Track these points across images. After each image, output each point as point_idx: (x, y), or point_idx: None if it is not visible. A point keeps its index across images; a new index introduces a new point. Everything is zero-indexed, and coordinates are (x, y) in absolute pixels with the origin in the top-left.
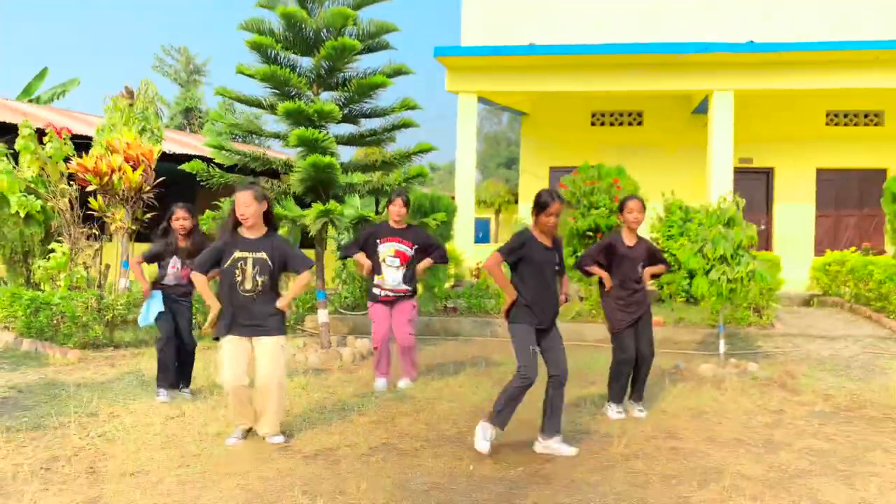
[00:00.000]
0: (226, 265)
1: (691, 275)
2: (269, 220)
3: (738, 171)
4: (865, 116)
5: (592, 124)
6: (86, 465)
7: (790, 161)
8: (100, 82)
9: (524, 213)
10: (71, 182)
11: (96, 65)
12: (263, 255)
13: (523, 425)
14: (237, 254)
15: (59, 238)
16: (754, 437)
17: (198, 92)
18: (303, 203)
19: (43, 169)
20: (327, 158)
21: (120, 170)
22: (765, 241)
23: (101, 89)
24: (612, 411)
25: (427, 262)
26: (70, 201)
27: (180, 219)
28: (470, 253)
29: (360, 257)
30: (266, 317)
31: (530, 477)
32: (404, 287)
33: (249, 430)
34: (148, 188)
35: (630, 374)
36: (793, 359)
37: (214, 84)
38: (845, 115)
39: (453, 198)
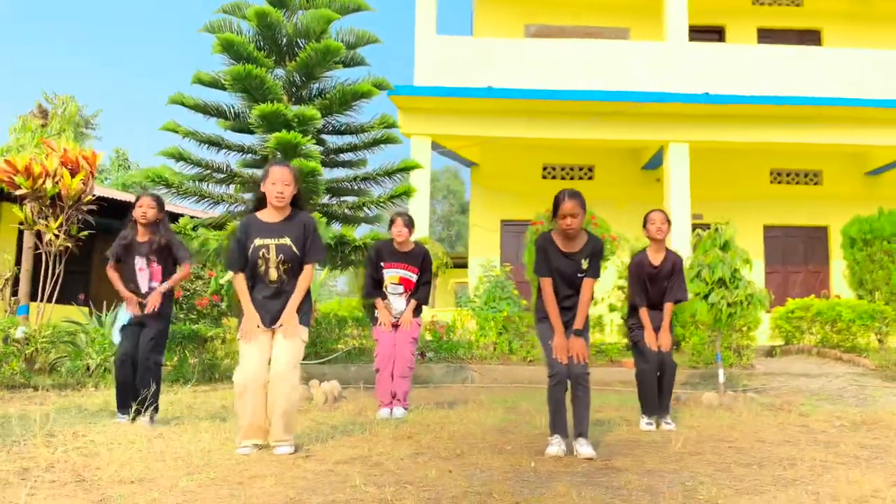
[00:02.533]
0: (248, 255)
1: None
2: (297, 201)
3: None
4: (805, 176)
5: (543, 177)
6: (70, 474)
7: (738, 217)
8: None
9: (475, 272)
10: None
11: None
12: (287, 240)
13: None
14: (258, 241)
15: None
16: (801, 439)
17: (86, 146)
18: None
19: None
20: (312, 164)
21: (55, 175)
22: None
23: None
24: (642, 422)
25: (409, 311)
26: None
27: (143, 206)
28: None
29: (382, 311)
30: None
31: (599, 470)
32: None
33: (260, 448)
34: (88, 198)
35: (655, 385)
36: (785, 392)
37: (105, 139)
38: (788, 174)
39: None
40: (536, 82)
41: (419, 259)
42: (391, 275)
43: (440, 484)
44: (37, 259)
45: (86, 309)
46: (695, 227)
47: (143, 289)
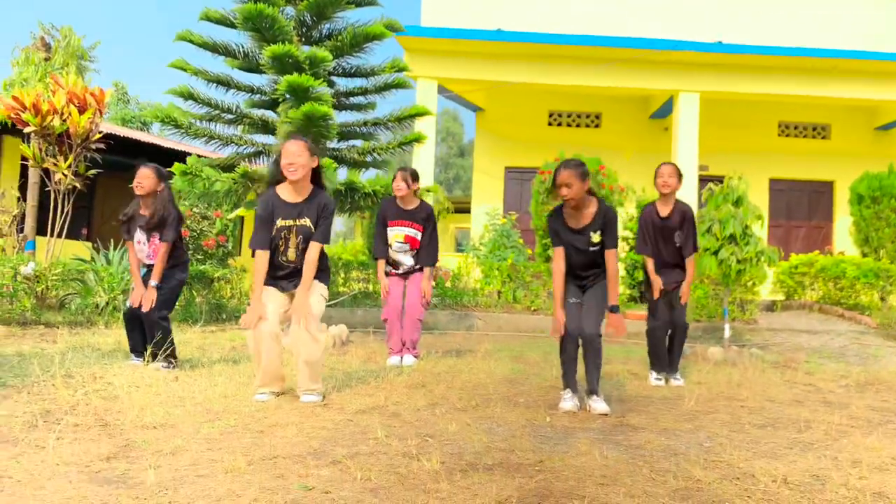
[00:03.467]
0: (272, 235)
1: None
2: (317, 178)
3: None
4: (814, 129)
5: (549, 124)
6: (92, 418)
7: (745, 170)
8: None
9: (479, 219)
10: None
11: None
12: (307, 221)
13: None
14: (279, 223)
15: None
16: (810, 399)
17: (84, 80)
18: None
19: None
20: (324, 108)
21: (63, 112)
22: None
23: None
24: (652, 378)
25: (425, 279)
26: None
27: (140, 178)
28: None
29: (382, 281)
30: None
31: (615, 427)
32: (418, 267)
33: (278, 395)
34: (97, 136)
35: (665, 342)
36: (788, 349)
37: (103, 72)
38: (796, 127)
39: None
40: (545, 26)
41: (422, 216)
42: (396, 233)
43: (461, 438)
44: (41, 194)
45: (89, 244)
46: (702, 178)
47: (144, 261)
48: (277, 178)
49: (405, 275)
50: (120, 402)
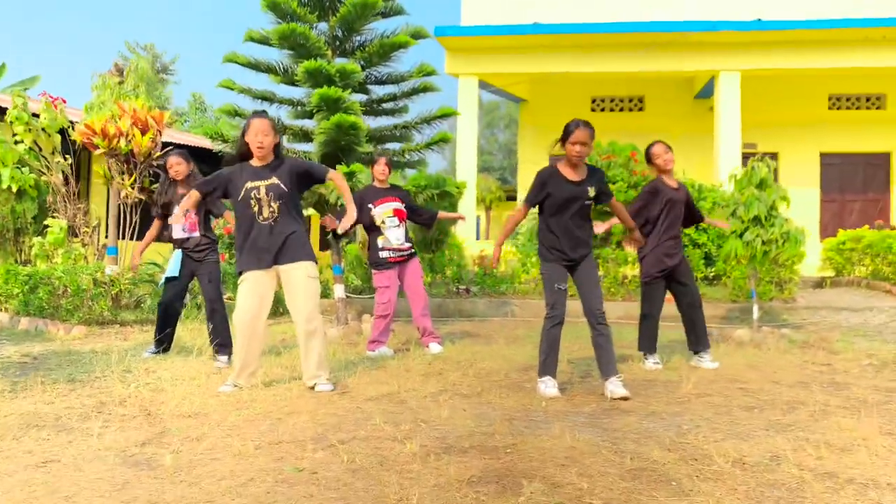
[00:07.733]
0: (239, 198)
1: (707, 256)
2: (277, 151)
3: (744, 157)
4: (867, 100)
5: (592, 110)
6: (138, 408)
7: (794, 146)
8: (61, 81)
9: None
10: (66, 156)
11: (56, 63)
12: (275, 180)
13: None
14: (249, 184)
15: (55, 215)
16: (818, 379)
17: (165, 91)
18: None
19: (35, 142)
20: (352, 118)
21: (128, 134)
22: None
23: (62, 88)
24: (649, 362)
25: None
26: (66, 176)
27: (174, 165)
28: (472, 242)
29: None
30: (288, 239)
31: (606, 411)
32: (408, 245)
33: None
34: (157, 154)
35: (657, 326)
36: (823, 327)
37: (182, 83)
38: (847, 99)
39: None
40: (584, 15)
41: (399, 192)
42: (385, 209)
43: (451, 423)
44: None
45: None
46: (745, 156)
47: (179, 236)
48: (244, 152)
49: (397, 265)
50: (164, 393)
